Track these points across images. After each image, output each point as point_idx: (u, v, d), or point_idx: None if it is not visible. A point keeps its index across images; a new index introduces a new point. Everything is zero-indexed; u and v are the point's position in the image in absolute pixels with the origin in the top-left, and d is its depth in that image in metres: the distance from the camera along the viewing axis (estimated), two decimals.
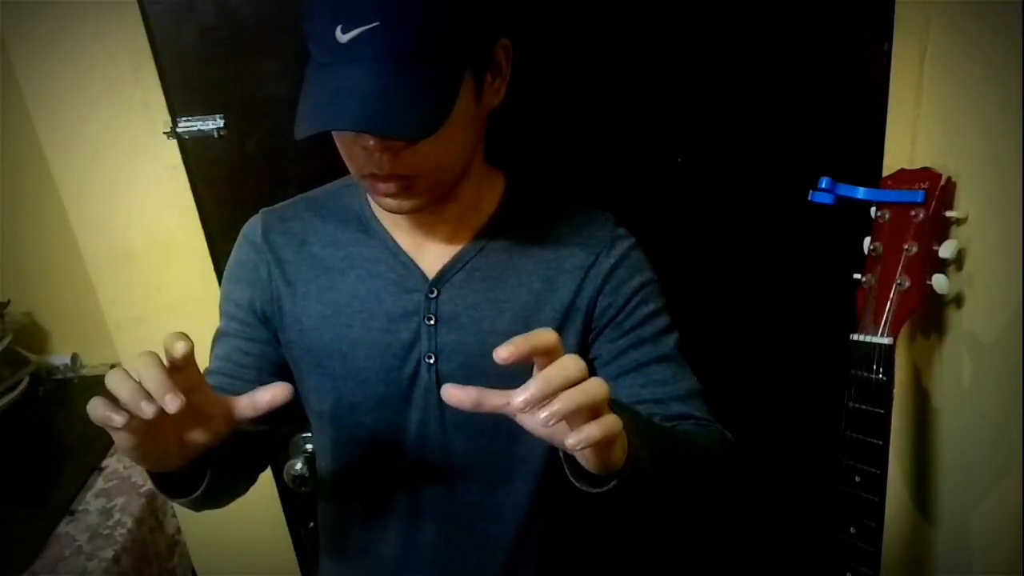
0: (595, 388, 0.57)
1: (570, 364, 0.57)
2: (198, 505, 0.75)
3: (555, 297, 0.86)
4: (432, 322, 0.85)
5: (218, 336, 0.91)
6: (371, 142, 0.70)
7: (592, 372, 0.88)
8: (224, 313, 0.91)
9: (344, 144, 0.75)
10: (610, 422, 0.57)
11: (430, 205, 0.79)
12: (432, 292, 0.85)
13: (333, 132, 0.73)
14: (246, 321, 0.89)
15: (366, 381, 0.87)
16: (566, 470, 0.67)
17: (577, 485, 0.66)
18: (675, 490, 0.78)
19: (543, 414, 0.55)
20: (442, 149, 0.72)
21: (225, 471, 0.75)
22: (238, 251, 0.91)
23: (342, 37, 0.66)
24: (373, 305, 0.86)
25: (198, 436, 0.67)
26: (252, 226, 0.91)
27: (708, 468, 0.80)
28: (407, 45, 0.66)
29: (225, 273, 0.92)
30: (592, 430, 0.56)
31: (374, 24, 0.65)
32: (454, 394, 0.60)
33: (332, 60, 0.67)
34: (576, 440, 0.56)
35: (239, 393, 0.69)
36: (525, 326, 0.86)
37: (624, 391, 0.87)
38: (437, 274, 0.86)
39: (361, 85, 0.66)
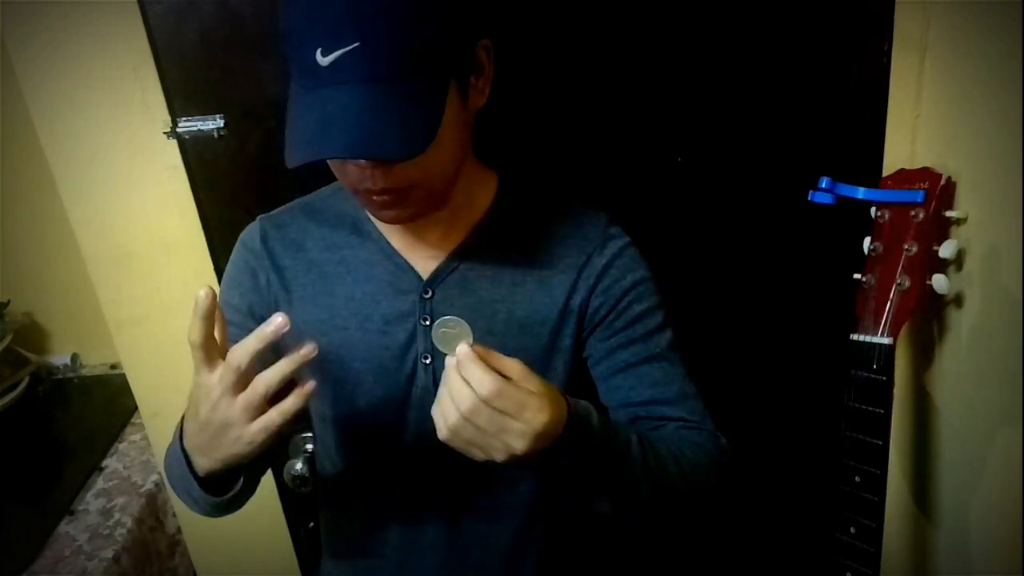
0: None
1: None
2: (221, 509, 0.81)
3: (549, 298, 0.86)
4: (428, 323, 0.85)
5: None
6: (362, 161, 0.70)
7: (584, 371, 0.89)
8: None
9: (335, 163, 0.75)
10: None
11: (426, 213, 0.80)
12: (427, 293, 0.85)
13: None
14: (245, 326, 0.89)
15: (363, 383, 0.87)
16: None
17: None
18: (640, 492, 0.75)
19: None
20: (433, 159, 0.72)
21: (254, 472, 0.83)
22: (236, 257, 0.92)
23: (323, 60, 0.65)
24: (369, 307, 0.86)
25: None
26: (250, 232, 0.91)
27: (681, 471, 0.78)
28: (389, 63, 0.66)
29: (223, 278, 0.92)
30: None
31: (354, 45, 0.64)
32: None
33: (316, 84, 0.67)
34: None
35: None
36: (519, 327, 0.86)
37: (613, 392, 0.87)
38: (431, 275, 0.86)
39: (348, 110, 0.66)
